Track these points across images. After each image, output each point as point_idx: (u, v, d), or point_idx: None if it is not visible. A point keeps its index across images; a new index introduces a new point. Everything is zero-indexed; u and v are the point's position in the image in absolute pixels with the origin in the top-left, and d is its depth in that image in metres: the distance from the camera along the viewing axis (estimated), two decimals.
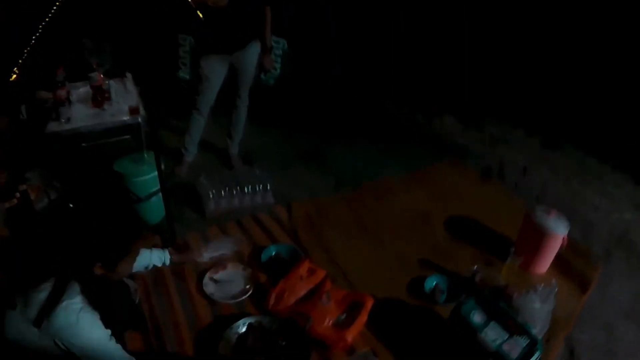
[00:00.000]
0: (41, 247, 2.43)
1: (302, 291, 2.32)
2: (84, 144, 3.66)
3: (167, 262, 2.38)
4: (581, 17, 4.63)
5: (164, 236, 2.95)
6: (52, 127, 3.21)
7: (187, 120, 3.85)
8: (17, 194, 3.24)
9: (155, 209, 3.00)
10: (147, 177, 3.18)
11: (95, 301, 1.72)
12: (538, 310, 2.06)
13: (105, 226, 1.74)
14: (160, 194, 3.15)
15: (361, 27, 6.01)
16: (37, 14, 4.80)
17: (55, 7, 4.86)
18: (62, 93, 3.31)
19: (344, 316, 2.20)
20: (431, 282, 2.50)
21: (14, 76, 3.60)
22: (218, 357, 1.99)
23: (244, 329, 2.13)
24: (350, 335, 2.06)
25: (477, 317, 1.99)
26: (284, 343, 2.05)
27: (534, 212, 2.54)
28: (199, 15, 3.45)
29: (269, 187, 3.36)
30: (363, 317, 2.15)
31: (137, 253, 1.81)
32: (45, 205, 3.48)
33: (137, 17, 5.39)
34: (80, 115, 3.36)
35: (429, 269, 2.62)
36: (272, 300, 2.29)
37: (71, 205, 3.43)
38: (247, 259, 2.73)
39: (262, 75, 5.73)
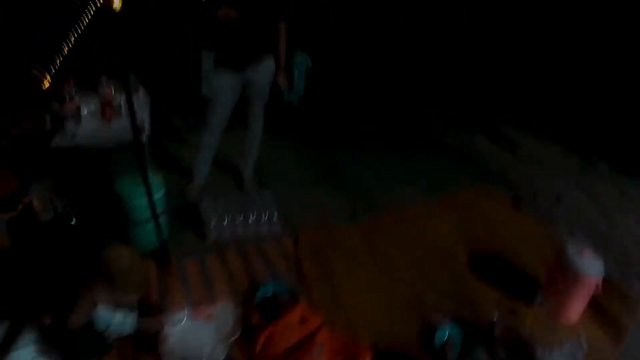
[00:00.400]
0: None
1: (292, 340, 2.07)
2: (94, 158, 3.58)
3: (129, 329, 1.99)
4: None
5: (160, 262, 2.76)
6: (57, 141, 3.11)
7: (198, 139, 3.68)
8: (20, 206, 3.13)
9: (153, 233, 2.81)
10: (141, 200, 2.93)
11: (51, 349, 1.52)
12: None
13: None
14: (161, 218, 2.96)
15: (387, 40, 5.77)
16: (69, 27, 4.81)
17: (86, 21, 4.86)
18: (69, 107, 3.21)
19: None
20: (443, 335, 2.20)
21: (47, 84, 3.52)
22: None
23: None
24: None
25: None
26: None
27: (566, 251, 2.23)
28: (211, 30, 3.29)
29: (275, 217, 3.12)
30: None
31: (90, 304, 1.56)
32: (51, 218, 3.39)
33: (159, 34, 5.31)
34: (85, 130, 3.25)
35: (444, 313, 2.33)
36: (259, 346, 2.05)
37: (73, 222, 3.31)
38: (243, 296, 2.50)
39: (286, 93, 5.63)
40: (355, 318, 2.34)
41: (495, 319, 2.19)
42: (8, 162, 3.76)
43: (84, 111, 3.44)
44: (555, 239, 2.98)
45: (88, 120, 3.39)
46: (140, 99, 3.69)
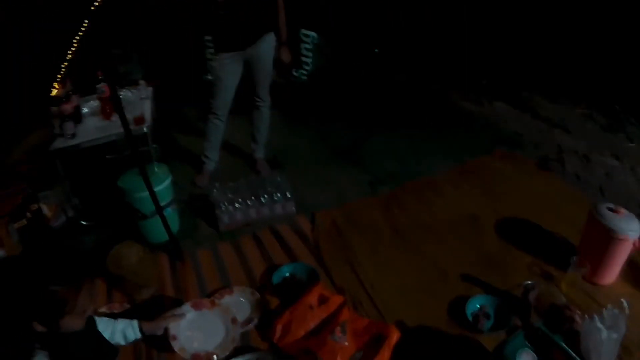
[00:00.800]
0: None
1: (312, 322, 1.95)
2: (108, 157, 3.51)
3: (132, 338, 1.83)
4: None
5: (172, 255, 2.67)
6: (57, 144, 3.04)
7: (205, 125, 3.56)
8: (28, 214, 3.09)
9: (161, 227, 2.70)
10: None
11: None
12: (604, 340, 1.58)
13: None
14: (168, 209, 2.86)
15: (401, 7, 5.55)
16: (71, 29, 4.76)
17: (86, 22, 4.80)
18: (67, 108, 3.12)
19: (360, 355, 1.80)
20: (474, 305, 2.05)
21: (55, 91, 3.44)
22: None
23: None
24: None
25: None
26: None
27: (599, 210, 2.06)
28: (210, 11, 3.14)
29: (289, 195, 2.98)
30: (384, 356, 1.73)
31: (83, 311, 1.43)
32: (63, 223, 3.34)
33: (161, 22, 5.19)
34: (85, 129, 3.18)
35: (474, 286, 2.19)
36: (277, 333, 1.94)
37: (84, 223, 3.25)
38: (260, 281, 2.40)
39: (294, 72, 5.48)
40: (379, 297, 2.21)
41: (528, 286, 2.04)
42: (18, 172, 3.74)
43: (84, 109, 3.35)
44: (586, 200, 2.79)
45: (88, 119, 3.32)
46: (141, 90, 3.58)
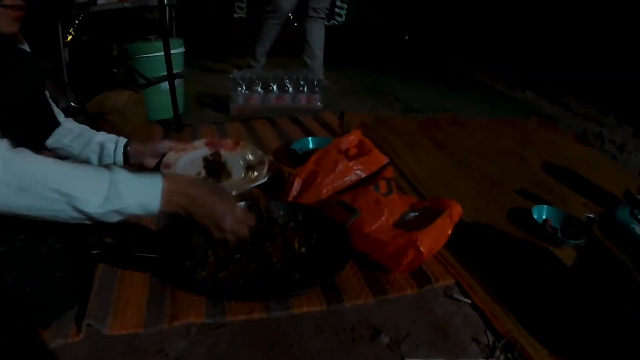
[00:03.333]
0: None
1: (347, 174, 1.50)
2: None
3: (108, 160, 1.40)
4: None
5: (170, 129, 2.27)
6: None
7: (259, 30, 3.23)
8: None
9: (165, 99, 2.26)
10: (156, 55, 2.36)
11: None
12: None
13: None
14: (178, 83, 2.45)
15: None
16: None
17: None
18: None
19: (413, 214, 1.40)
20: (540, 215, 1.69)
21: None
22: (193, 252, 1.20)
23: None
24: (425, 244, 1.22)
25: None
26: (302, 249, 1.27)
27: None
28: None
29: (317, 89, 2.58)
30: (445, 222, 1.32)
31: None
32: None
33: None
34: None
35: (533, 203, 1.82)
36: (294, 190, 1.50)
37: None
38: (274, 154, 1.99)
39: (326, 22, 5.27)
40: (425, 190, 1.83)
41: (591, 219, 1.70)
42: None
43: None
44: (630, 174, 2.47)
45: None
46: None
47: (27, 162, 0.85)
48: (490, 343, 1.11)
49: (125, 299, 1.14)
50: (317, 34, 3.22)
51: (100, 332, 1.04)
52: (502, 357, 1.07)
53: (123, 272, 1.22)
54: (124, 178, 0.91)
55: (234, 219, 1.02)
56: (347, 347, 1.06)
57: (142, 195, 0.92)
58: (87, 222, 0.91)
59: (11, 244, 1.02)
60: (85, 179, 0.89)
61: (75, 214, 0.88)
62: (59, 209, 0.87)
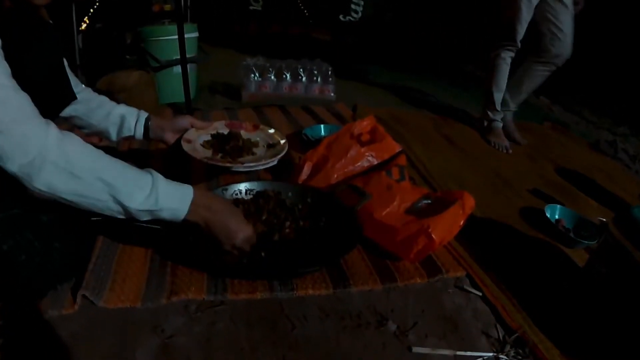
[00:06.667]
0: None
1: (358, 160, 1.46)
2: None
3: (128, 132, 1.44)
4: None
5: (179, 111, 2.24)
6: None
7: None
8: None
9: (177, 83, 2.23)
10: (170, 38, 2.33)
11: None
12: None
13: None
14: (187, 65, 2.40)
15: None
16: None
17: None
18: None
19: (425, 202, 1.36)
20: (552, 215, 1.64)
21: None
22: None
23: (244, 196, 1.35)
24: (437, 232, 1.17)
25: None
26: (309, 229, 1.25)
27: None
28: None
29: (331, 79, 2.54)
30: (457, 212, 1.28)
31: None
32: None
33: None
34: None
35: (544, 202, 1.78)
36: (304, 174, 1.47)
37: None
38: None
39: (341, 17, 5.21)
40: (437, 182, 1.79)
41: (604, 223, 1.66)
42: None
43: None
44: None
45: None
46: None
47: (80, 150, 0.91)
48: (501, 337, 1.07)
49: (124, 273, 1.10)
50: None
51: (95, 304, 1.01)
52: (512, 353, 1.03)
53: (124, 247, 1.19)
54: (164, 183, 0.99)
55: (243, 238, 1.07)
56: (352, 333, 1.02)
57: (174, 201, 1.00)
58: (119, 217, 0.97)
59: (8, 211, 0.99)
60: (131, 175, 0.96)
61: (114, 206, 0.94)
62: (100, 198, 0.92)
